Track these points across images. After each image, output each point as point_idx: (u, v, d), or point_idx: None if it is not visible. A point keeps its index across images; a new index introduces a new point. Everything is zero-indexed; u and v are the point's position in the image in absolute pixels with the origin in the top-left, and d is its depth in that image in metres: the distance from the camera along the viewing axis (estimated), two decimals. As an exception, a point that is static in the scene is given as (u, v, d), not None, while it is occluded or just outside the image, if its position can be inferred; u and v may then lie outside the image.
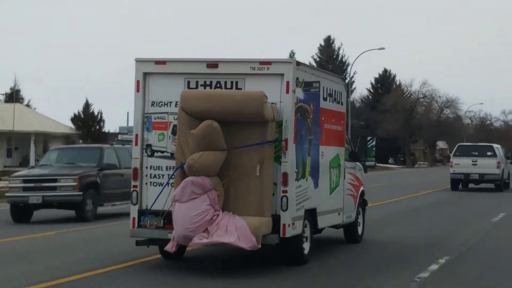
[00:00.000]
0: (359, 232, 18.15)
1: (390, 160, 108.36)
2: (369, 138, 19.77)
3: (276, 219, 13.51)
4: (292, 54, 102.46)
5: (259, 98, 13.14)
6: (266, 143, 13.41)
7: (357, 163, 18.29)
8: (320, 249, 16.54)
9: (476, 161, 42.23)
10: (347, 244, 17.80)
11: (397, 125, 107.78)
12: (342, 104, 16.55)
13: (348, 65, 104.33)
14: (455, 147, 45.34)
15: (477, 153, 42.88)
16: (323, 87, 15.28)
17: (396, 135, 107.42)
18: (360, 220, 18.22)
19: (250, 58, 13.92)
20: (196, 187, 13.13)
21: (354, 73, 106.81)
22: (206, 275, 13.33)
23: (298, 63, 13.87)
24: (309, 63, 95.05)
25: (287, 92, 13.60)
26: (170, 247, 13.44)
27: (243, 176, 13.51)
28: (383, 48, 74.94)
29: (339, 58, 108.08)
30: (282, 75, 13.63)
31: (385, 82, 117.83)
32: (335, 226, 17.06)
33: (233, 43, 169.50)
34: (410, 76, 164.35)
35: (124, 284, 12.64)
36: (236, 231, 12.98)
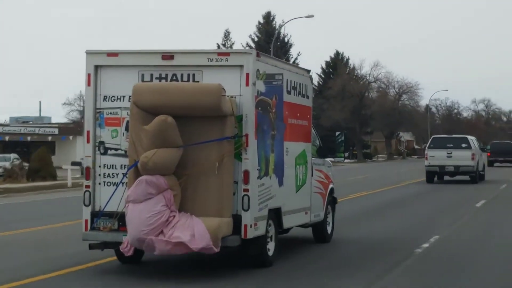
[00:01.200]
0: (329, 231, 17.39)
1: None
2: (337, 133, 19.14)
3: (237, 219, 12.72)
4: (227, 34, 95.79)
5: (216, 91, 12.34)
6: (225, 139, 12.62)
7: (326, 159, 17.52)
8: (287, 250, 15.77)
9: (451, 153, 42.12)
10: (316, 243, 17.03)
11: (344, 113, 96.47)
12: (307, 97, 15.77)
13: (291, 45, 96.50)
14: (430, 139, 45.22)
15: (452, 145, 42.83)
16: (287, 80, 14.49)
17: (344, 125, 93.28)
18: (329, 218, 17.46)
19: (208, 49, 13.15)
20: (150, 186, 12.31)
21: (298, 55, 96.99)
22: (161, 280, 12.50)
23: (259, 54, 13.07)
24: (247, 44, 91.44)
25: (247, 84, 12.81)
26: (126, 250, 12.61)
27: (202, 175, 12.71)
28: (311, 16, 66.77)
29: (281, 38, 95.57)
30: (241, 66, 12.84)
31: (337, 67, 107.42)
32: (304, 226, 16.30)
33: (162, 22, 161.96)
34: (364, 59, 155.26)
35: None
36: (193, 233, 12.17)
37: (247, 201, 12.72)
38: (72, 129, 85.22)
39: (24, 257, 15.12)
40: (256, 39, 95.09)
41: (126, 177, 12.82)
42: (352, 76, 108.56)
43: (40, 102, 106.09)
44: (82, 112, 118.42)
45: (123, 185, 12.96)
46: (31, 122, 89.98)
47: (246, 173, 12.75)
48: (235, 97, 12.81)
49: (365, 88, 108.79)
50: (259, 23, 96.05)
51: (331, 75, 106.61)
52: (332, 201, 17.65)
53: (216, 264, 13.82)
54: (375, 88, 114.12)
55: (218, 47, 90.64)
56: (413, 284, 12.60)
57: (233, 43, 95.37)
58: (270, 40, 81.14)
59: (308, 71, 16.00)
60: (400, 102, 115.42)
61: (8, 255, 15.54)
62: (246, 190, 12.74)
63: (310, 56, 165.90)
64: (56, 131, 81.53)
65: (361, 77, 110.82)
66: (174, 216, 12.42)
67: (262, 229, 13.26)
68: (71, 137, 77.55)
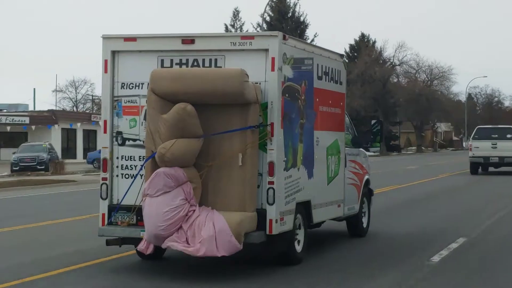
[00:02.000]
0: (364, 224, 16.50)
1: None
2: (373, 121, 18.34)
3: (261, 214, 11.90)
4: (236, 13, 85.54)
5: (238, 77, 11.50)
6: (248, 128, 11.79)
7: (361, 149, 16.60)
8: (319, 245, 14.92)
9: (496, 144, 41.20)
10: (350, 237, 16.16)
11: (365, 100, 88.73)
12: (340, 83, 14.87)
13: (307, 25, 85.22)
14: (475, 130, 44.22)
15: (496, 135, 42.03)
16: (317, 65, 13.60)
17: (363, 114, 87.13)
18: (365, 211, 16.56)
19: (231, 33, 12.50)
20: (168, 179, 11.53)
21: (315, 36, 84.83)
22: (183, 279, 11.73)
23: (285, 37, 12.21)
24: (258, 24, 77.21)
25: (273, 69, 11.96)
26: (144, 248, 11.88)
27: (224, 166, 11.91)
28: None
29: (295, 17, 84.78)
30: (266, 50, 11.99)
31: (362, 50, 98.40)
32: (337, 219, 15.43)
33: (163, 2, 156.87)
34: (387, 40, 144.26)
35: (90, 284, 11.12)
36: (214, 231, 11.36)
37: (272, 195, 11.90)
38: (46, 118, 73.63)
39: (22, 256, 14.48)
40: (268, 18, 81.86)
41: (144, 169, 12.07)
42: (374, 59, 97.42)
43: (34, 89, 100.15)
44: (74, 100, 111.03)
45: (141, 177, 12.22)
46: (5, 111, 78.56)
47: (271, 165, 11.92)
48: (259, 83, 11.97)
49: (390, 73, 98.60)
50: (271, 0, 79.48)
51: (356, 60, 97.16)
52: (367, 193, 16.75)
53: (240, 261, 13.01)
54: (400, 72, 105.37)
55: (226, 28, 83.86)
56: (444, 282, 11.68)
57: (242, 24, 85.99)
58: (284, 20, 74.96)
59: (342, 55, 15.10)
60: (430, 88, 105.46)
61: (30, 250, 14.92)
62: (271, 182, 11.91)
63: (330, 38, 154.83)
64: (27, 120, 71.18)
65: (384, 60, 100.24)
66: (194, 210, 11.64)
67: (289, 224, 12.42)
68: (57, 125, 67.79)
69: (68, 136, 75.92)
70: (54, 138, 68.13)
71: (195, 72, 11.85)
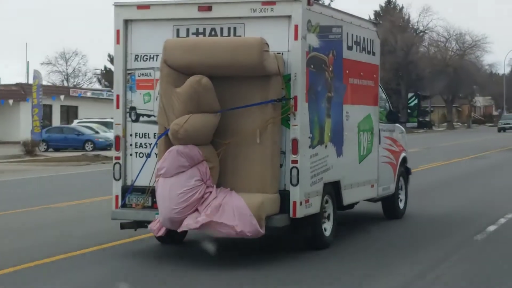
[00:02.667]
0: (401, 206, 15.46)
1: None
2: (410, 95, 17.34)
3: (285, 195, 10.97)
4: None
5: (257, 46, 10.54)
6: (270, 102, 10.85)
7: (397, 125, 15.54)
8: (351, 227, 13.96)
9: None
10: (386, 220, 15.15)
11: (385, 72, 76.82)
12: (374, 54, 13.81)
13: None
14: None
15: None
16: (347, 33, 12.57)
17: (383, 86, 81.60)
18: (401, 192, 15.53)
19: (251, -2, 11.29)
20: (182, 158, 10.65)
21: (331, 1, 76.31)
22: (203, 263, 10.85)
23: (310, 2, 11.19)
24: None
25: (296, 38, 10.98)
26: (156, 229, 11.02)
27: (243, 144, 10.99)
28: None
29: None
30: (289, 17, 11.01)
31: (387, 17, 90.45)
32: (371, 200, 14.43)
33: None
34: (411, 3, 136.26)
35: (106, 266, 10.30)
36: (233, 213, 10.47)
37: (296, 175, 10.95)
38: (15, 92, 62.63)
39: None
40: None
41: (156, 147, 11.20)
42: (397, 25, 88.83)
43: (28, 62, 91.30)
44: (65, 74, 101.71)
45: (156, 156, 11.35)
46: None
47: (295, 142, 10.97)
48: (282, 54, 11.00)
49: (413, 41, 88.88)
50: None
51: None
52: (404, 172, 15.70)
53: (263, 245, 12.09)
54: (426, 41, 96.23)
55: None
56: (490, 259, 10.68)
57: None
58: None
59: (375, 23, 14.04)
60: (463, 58, 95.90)
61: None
62: (294, 161, 10.96)
63: (356, 3, 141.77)
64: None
65: (407, 27, 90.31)
66: (211, 192, 10.73)
67: (316, 206, 11.47)
68: (11, 102, 53.39)
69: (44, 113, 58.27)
70: (23, 115, 57.73)
71: (211, 42, 10.93)
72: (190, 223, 10.52)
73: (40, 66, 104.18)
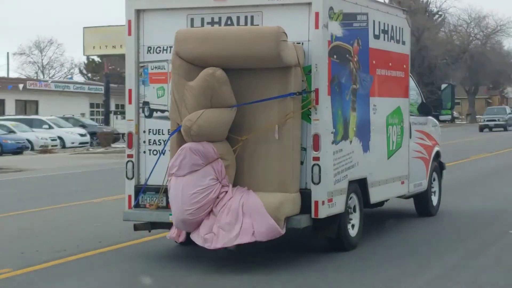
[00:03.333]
0: (434, 202, 14.69)
1: None
2: (443, 85, 16.39)
3: (306, 195, 10.28)
4: None
5: (274, 35, 9.86)
6: (289, 95, 10.16)
7: (429, 117, 14.74)
8: (379, 226, 13.22)
9: None
10: (419, 217, 14.39)
11: None
12: (403, 43, 13.04)
13: None
14: None
15: None
16: (374, 21, 11.82)
17: None
18: (434, 188, 14.75)
19: (268, -16, 10.59)
20: (196, 156, 10.00)
21: None
22: (220, 264, 10.21)
23: None
24: None
25: (317, 27, 10.27)
26: (176, 236, 10.43)
27: (261, 140, 10.32)
28: None
29: None
30: (309, 4, 10.30)
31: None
32: (402, 197, 13.68)
33: None
34: None
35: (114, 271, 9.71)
36: (250, 217, 9.82)
37: (317, 172, 10.26)
38: None
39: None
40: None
41: (169, 144, 10.58)
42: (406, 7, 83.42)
43: (7, 53, 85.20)
44: (39, 65, 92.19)
45: (164, 154, 10.74)
46: None
47: (317, 138, 10.28)
48: (302, 44, 10.31)
49: (427, 25, 79.55)
50: None
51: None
52: (438, 167, 14.92)
53: (283, 247, 11.42)
54: (444, 25, 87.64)
55: None
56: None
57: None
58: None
59: (404, 10, 13.25)
60: (485, 45, 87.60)
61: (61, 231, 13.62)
62: (316, 158, 10.28)
63: None
64: None
65: (420, 9, 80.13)
66: (226, 191, 10.09)
67: (340, 205, 10.77)
68: None
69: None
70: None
71: (225, 32, 10.26)
72: (209, 240, 9.89)
73: (12, 57, 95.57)
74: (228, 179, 10.18)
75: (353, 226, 11.30)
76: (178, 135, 10.29)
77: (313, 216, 10.30)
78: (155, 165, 10.80)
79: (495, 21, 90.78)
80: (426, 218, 14.31)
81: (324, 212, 10.34)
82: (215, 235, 9.83)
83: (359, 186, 11.45)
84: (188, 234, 10.37)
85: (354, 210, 11.33)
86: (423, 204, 14.46)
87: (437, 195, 14.84)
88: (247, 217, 9.84)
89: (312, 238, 11.27)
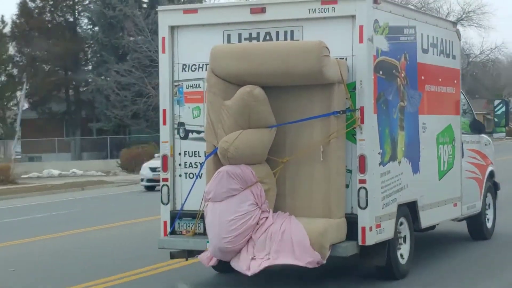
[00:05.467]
0: (488, 225, 13.88)
1: None
2: (496, 101, 15.55)
3: (352, 220, 9.61)
4: None
5: (315, 50, 9.25)
6: (332, 114, 9.52)
7: (482, 135, 13.97)
8: (431, 251, 12.46)
9: None
10: (472, 241, 13.59)
11: None
12: (454, 57, 12.33)
13: None
14: None
15: None
16: (422, 34, 11.14)
17: None
18: (489, 210, 13.95)
19: (309, -3, 9.96)
20: (233, 180, 9.39)
21: None
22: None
23: (377, 0, 9.83)
24: None
25: (361, 41, 9.63)
26: (206, 259, 9.80)
27: (303, 162, 9.70)
28: None
29: None
30: (353, 17, 9.67)
31: None
32: (455, 219, 12.91)
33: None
34: None
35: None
36: (291, 243, 9.18)
37: (364, 196, 9.59)
38: None
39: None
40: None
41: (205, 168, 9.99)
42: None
43: None
44: None
45: (200, 177, 10.16)
46: None
47: (363, 159, 9.61)
48: (345, 59, 9.67)
49: None
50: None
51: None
52: (492, 188, 14.11)
53: (329, 275, 10.74)
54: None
55: None
56: None
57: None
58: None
59: (454, 23, 12.55)
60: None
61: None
62: (362, 181, 9.60)
63: None
64: None
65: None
66: (267, 217, 9.45)
67: (389, 231, 10.07)
68: None
69: None
70: None
71: (263, 48, 9.67)
72: (251, 266, 9.27)
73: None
74: (269, 204, 9.55)
75: (403, 252, 10.59)
76: (214, 157, 9.70)
77: (360, 243, 9.63)
78: (191, 189, 10.21)
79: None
80: (481, 241, 13.51)
81: (372, 238, 9.65)
82: (255, 261, 9.19)
83: (409, 210, 10.75)
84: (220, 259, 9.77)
85: (404, 236, 10.62)
86: (477, 227, 13.66)
87: (492, 217, 14.03)
88: (288, 242, 9.20)
89: (359, 266, 10.57)
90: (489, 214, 13.95)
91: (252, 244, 9.37)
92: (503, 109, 13.95)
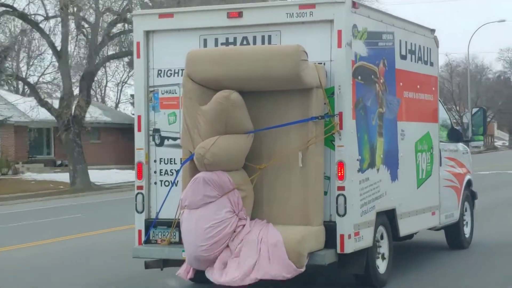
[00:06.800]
0: (466, 234, 13.78)
1: None
2: (474, 109, 15.46)
3: (330, 228, 9.44)
4: None
5: (293, 55, 9.10)
6: (310, 119, 9.37)
7: (460, 144, 13.88)
8: (409, 261, 12.33)
9: None
10: (450, 250, 13.48)
11: None
12: (431, 64, 12.24)
13: None
14: None
15: None
16: (400, 41, 11.04)
17: None
18: (466, 218, 13.84)
19: (286, 1, 9.86)
20: (210, 186, 9.21)
21: None
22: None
23: (356, 4, 9.70)
24: None
25: (339, 46, 9.49)
26: (184, 272, 9.59)
27: (281, 169, 9.54)
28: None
29: None
30: (331, 22, 9.53)
31: None
32: (433, 228, 12.79)
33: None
34: None
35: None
36: (268, 256, 9.00)
37: (343, 203, 9.43)
38: None
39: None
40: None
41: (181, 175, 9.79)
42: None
43: None
44: None
45: (176, 185, 9.97)
46: None
47: (341, 165, 9.45)
48: (324, 64, 9.53)
49: None
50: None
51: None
52: (470, 197, 14.02)
53: (309, 283, 10.56)
54: None
55: None
56: None
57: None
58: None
59: (432, 30, 12.45)
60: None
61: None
62: (341, 188, 9.45)
63: None
64: None
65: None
66: (244, 225, 9.27)
67: (368, 239, 9.92)
68: None
69: None
70: None
71: (240, 52, 9.51)
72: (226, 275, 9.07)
73: None
74: (246, 211, 9.38)
75: (382, 261, 10.44)
76: (190, 164, 9.51)
77: (338, 251, 9.47)
78: (166, 197, 10.01)
79: None
80: (458, 250, 13.40)
81: (350, 246, 9.49)
82: (228, 271, 9.00)
83: (388, 218, 10.60)
84: (196, 270, 9.57)
85: (383, 244, 10.47)
86: (454, 236, 13.55)
87: (470, 226, 13.93)
88: (264, 253, 9.03)
89: (338, 274, 10.41)
90: (467, 223, 13.85)
91: (228, 254, 9.18)
92: (481, 117, 13.88)
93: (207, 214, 9.17)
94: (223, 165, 9.25)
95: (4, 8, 34.34)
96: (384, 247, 10.50)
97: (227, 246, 9.19)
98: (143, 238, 10.25)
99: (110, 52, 41.08)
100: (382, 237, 10.45)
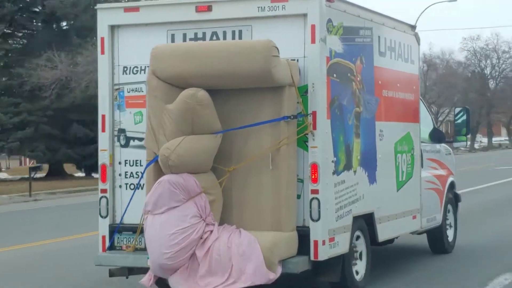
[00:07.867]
0: (449, 238, 13.31)
1: None
2: (457, 109, 15.17)
3: (304, 233, 8.95)
4: None
5: (263, 50, 8.61)
6: (282, 119, 8.87)
7: (442, 144, 13.41)
8: (389, 266, 11.85)
9: None
10: (433, 255, 13.01)
11: None
12: (412, 62, 11.76)
13: None
14: None
15: None
16: (379, 37, 10.55)
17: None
18: (450, 222, 13.38)
19: (258, -6, 9.33)
20: (175, 190, 8.70)
21: None
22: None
23: None
24: None
25: (313, 41, 9.00)
26: (146, 280, 9.08)
27: (251, 171, 9.06)
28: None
29: None
30: (304, 16, 9.04)
31: None
32: (414, 232, 12.32)
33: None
34: None
35: None
36: (239, 257, 8.51)
37: (317, 207, 8.94)
38: None
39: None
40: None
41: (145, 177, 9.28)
42: None
43: None
44: None
45: (142, 188, 9.45)
46: None
47: (315, 167, 8.96)
48: (297, 60, 9.04)
49: None
50: None
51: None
52: (453, 199, 13.55)
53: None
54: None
55: None
56: None
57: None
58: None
59: (413, 27, 11.97)
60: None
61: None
62: (315, 191, 8.96)
63: None
64: None
65: None
66: (212, 231, 8.76)
67: (344, 245, 9.43)
68: None
69: None
70: None
71: (207, 47, 9.02)
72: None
73: None
74: (214, 216, 8.86)
75: (358, 268, 9.95)
76: (155, 166, 9.00)
77: (312, 258, 8.98)
78: (130, 201, 9.49)
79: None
80: (441, 255, 12.93)
81: (325, 253, 9.00)
82: (197, 284, 8.49)
83: (365, 222, 10.13)
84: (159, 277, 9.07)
85: (360, 251, 9.99)
86: (437, 240, 13.08)
87: (453, 230, 13.47)
88: (234, 260, 8.53)
89: (313, 282, 9.91)
90: (450, 227, 13.39)
91: (195, 261, 8.67)
92: (464, 117, 13.42)
93: (172, 220, 8.65)
94: (190, 167, 8.74)
95: None
96: (361, 253, 10.02)
97: (194, 253, 8.68)
98: (107, 245, 9.73)
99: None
100: (359, 243, 9.97)
